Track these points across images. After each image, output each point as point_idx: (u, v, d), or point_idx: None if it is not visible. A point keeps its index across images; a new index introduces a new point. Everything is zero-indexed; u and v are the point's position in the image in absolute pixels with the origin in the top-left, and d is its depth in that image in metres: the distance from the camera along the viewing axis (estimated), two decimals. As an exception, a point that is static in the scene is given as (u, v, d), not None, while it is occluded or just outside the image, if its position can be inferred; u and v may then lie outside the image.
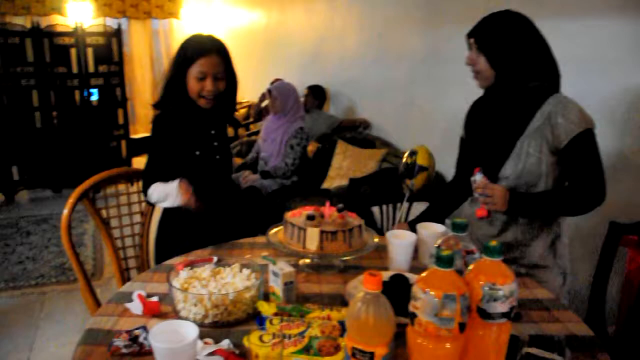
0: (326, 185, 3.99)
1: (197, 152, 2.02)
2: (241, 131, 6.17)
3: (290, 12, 6.19)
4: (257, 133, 5.31)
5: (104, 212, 2.10)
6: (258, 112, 5.56)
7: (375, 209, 2.62)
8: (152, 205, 2.15)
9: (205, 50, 1.92)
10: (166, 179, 1.90)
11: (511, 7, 1.73)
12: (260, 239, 1.92)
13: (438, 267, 0.91)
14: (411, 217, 2.29)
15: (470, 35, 1.73)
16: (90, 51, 5.75)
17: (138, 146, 6.48)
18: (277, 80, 5.09)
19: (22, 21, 7.01)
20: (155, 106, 2.03)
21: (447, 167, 2.51)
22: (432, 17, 3.70)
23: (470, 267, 0.99)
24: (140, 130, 8.09)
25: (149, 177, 1.97)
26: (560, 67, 1.73)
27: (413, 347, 0.95)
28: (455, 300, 0.88)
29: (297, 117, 3.78)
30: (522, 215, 1.75)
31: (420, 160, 2.07)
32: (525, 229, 1.77)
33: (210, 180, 2.07)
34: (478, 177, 1.73)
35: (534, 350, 1.15)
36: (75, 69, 5.68)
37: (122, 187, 2.21)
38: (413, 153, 2.11)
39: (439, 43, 3.62)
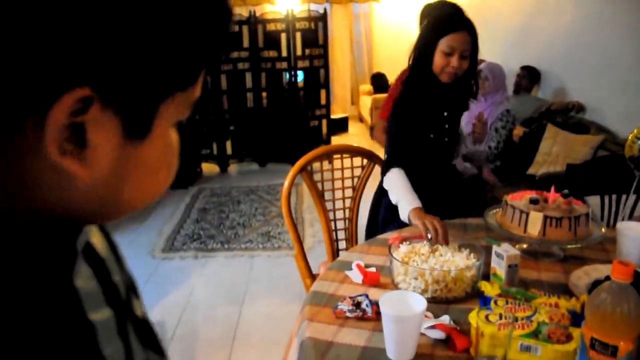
0: (532, 171, 3.78)
1: (431, 135, 2.00)
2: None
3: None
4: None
5: (319, 185, 2.25)
6: None
7: (592, 199, 2.43)
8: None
9: (459, 26, 1.87)
10: (405, 162, 1.91)
11: None
12: (473, 220, 1.90)
13: None
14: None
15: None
16: (298, 36, 6.10)
17: (337, 126, 6.75)
18: (481, 61, 4.90)
19: (239, 11, 7.71)
20: (407, 82, 2.00)
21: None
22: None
23: None
24: (338, 111, 8.44)
25: (391, 158, 1.95)
26: None
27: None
28: None
29: (504, 98, 3.64)
30: None
31: None
32: None
33: (436, 164, 2.06)
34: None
35: None
36: (284, 53, 6.09)
37: (336, 162, 2.33)
38: None
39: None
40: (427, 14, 1.93)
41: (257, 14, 6.16)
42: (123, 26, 0.35)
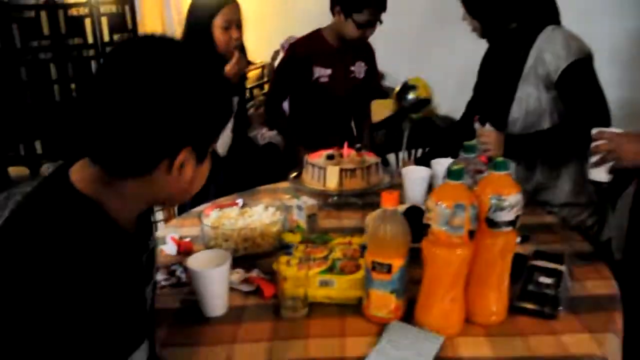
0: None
1: None
2: (256, 91, 6.22)
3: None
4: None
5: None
6: (273, 71, 5.60)
7: (391, 156, 2.69)
8: None
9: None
10: None
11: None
12: (282, 184, 2.00)
13: (449, 180, 0.99)
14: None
15: None
16: (104, 20, 5.80)
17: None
18: (290, 37, 5.08)
19: (35, -6, 7.08)
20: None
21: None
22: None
23: (479, 182, 1.07)
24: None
25: None
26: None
27: (427, 257, 1.04)
28: (464, 209, 0.96)
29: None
30: (522, 158, 1.76)
31: (423, 93, 2.07)
32: (545, 171, 1.79)
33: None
34: (476, 126, 1.75)
35: (537, 262, 1.24)
36: (90, 40, 5.75)
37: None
38: (412, 87, 2.08)
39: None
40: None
41: (57, -2, 5.74)
42: (200, 120, 0.83)
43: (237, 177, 2.27)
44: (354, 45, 2.27)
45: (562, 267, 1.24)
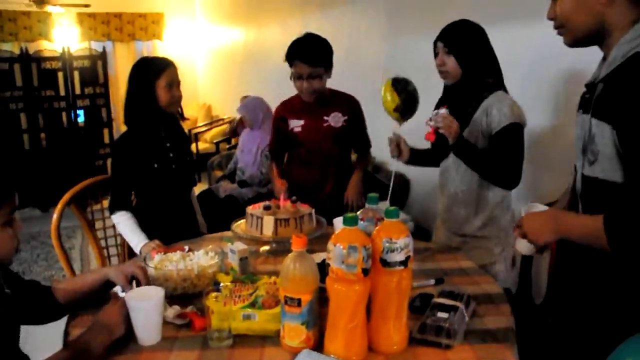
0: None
1: (156, 165, 2.28)
2: (222, 145, 6.44)
3: (266, 28, 6.49)
4: (236, 146, 5.59)
5: (89, 215, 2.35)
6: (232, 130, 5.88)
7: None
8: None
9: (168, 64, 2.27)
10: (129, 198, 2.28)
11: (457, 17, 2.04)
12: (228, 233, 2.17)
13: (345, 225, 1.17)
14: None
15: (438, 39, 2.03)
16: (76, 74, 6.00)
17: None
18: (245, 97, 5.36)
19: (10, 47, 7.29)
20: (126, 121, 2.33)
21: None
22: (393, 30, 4.01)
23: (377, 228, 1.26)
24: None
25: (115, 201, 2.26)
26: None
27: (330, 292, 1.21)
28: (357, 250, 1.14)
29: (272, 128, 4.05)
30: (460, 156, 1.98)
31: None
32: (465, 208, 2.07)
33: (169, 191, 2.35)
34: (443, 110, 1.93)
35: (441, 300, 1.42)
36: (62, 92, 5.93)
37: (104, 202, 2.46)
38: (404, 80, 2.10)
39: (398, 53, 3.92)
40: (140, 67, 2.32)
41: (31, 51, 5.94)
42: None
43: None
44: (332, 98, 2.58)
45: (460, 304, 1.41)
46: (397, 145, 2.09)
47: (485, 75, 2.00)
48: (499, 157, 1.94)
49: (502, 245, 2.09)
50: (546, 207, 1.50)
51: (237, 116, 5.72)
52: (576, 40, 1.33)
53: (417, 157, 2.16)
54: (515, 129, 1.93)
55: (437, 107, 2.08)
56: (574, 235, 1.29)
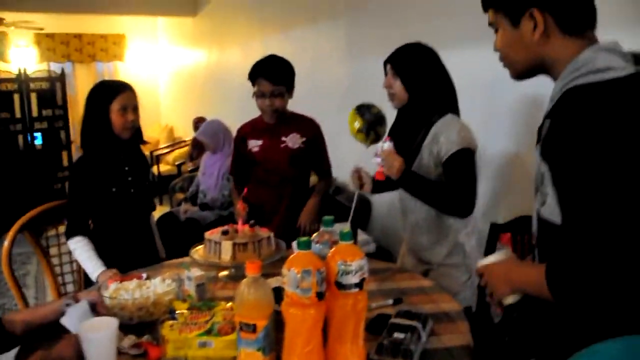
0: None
1: (114, 189, 2.25)
2: (184, 167, 6.38)
3: (227, 50, 6.50)
4: (197, 169, 5.55)
5: (43, 242, 2.29)
6: (189, 156, 5.88)
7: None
8: None
9: (124, 87, 2.25)
10: (86, 224, 2.24)
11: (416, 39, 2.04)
12: (187, 259, 2.13)
13: (299, 249, 1.18)
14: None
15: (387, 61, 2.02)
16: (33, 96, 5.90)
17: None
18: (199, 119, 5.31)
19: (-36, 69, 7.11)
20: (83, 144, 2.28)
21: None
22: (355, 51, 4.06)
23: (331, 251, 1.26)
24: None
25: (71, 226, 2.22)
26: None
27: (285, 316, 1.20)
28: (311, 274, 1.15)
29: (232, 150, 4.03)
30: (407, 191, 1.96)
31: (378, 111, 2.08)
32: (428, 235, 2.05)
33: (127, 216, 2.32)
34: (386, 145, 1.92)
35: (398, 320, 1.42)
36: (18, 114, 5.81)
37: (61, 227, 2.39)
38: (368, 106, 2.07)
39: (360, 74, 3.97)
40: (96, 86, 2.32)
41: (-14, 73, 5.83)
42: None
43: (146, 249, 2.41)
44: (293, 120, 2.61)
45: (417, 324, 1.42)
46: (359, 177, 2.08)
47: (435, 99, 1.97)
48: (450, 185, 1.91)
49: (469, 272, 2.06)
50: (505, 256, 1.33)
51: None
52: (519, 75, 1.28)
53: (380, 186, 2.12)
54: (464, 155, 1.89)
55: (390, 132, 2.05)
56: (527, 289, 1.20)
